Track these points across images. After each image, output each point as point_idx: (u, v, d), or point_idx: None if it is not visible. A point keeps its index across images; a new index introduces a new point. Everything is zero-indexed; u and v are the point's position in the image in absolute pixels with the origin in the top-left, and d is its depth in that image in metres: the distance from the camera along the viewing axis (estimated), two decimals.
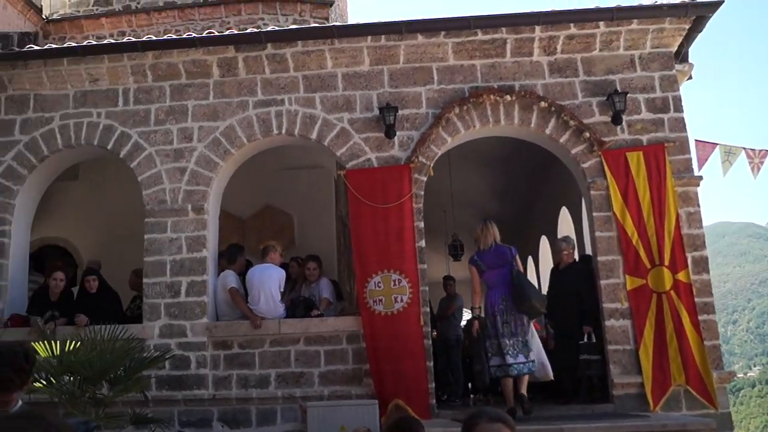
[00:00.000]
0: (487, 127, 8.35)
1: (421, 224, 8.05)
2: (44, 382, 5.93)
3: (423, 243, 7.99)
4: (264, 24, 11.92)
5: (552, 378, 7.69)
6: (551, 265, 9.59)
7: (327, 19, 12.38)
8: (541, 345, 7.71)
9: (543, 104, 8.20)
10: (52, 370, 5.99)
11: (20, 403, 3.01)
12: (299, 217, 10.60)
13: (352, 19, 15.16)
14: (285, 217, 10.55)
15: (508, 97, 8.23)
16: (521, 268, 7.73)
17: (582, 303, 8.09)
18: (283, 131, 8.31)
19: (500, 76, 8.39)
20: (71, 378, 6.09)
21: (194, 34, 8.65)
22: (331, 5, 12.63)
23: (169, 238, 8.09)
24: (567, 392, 8.32)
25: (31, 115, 8.61)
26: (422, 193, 8.16)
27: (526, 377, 7.29)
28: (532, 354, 7.31)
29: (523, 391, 7.18)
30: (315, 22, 11.94)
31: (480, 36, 8.34)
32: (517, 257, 7.62)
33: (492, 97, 8.23)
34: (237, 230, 10.11)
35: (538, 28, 8.29)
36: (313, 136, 8.29)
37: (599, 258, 7.88)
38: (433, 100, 8.33)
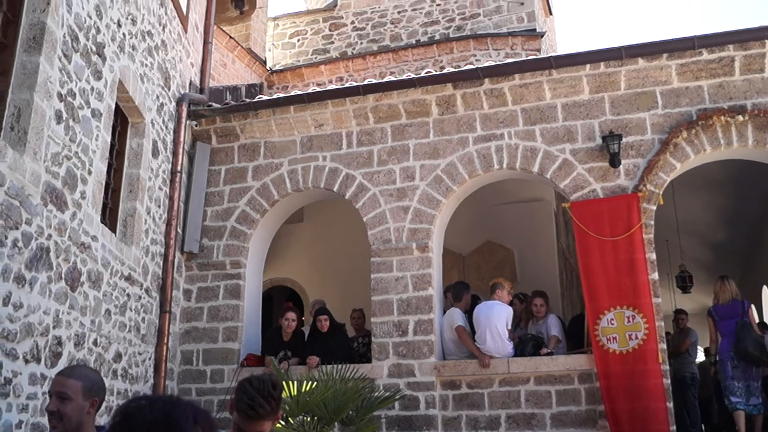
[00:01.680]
0: (718, 151, 7.79)
1: (653, 256, 7.62)
2: (282, 423, 6.09)
3: (656, 276, 7.55)
4: (476, 60, 11.99)
5: None
6: None
7: (539, 50, 12.25)
8: None
9: None
10: (288, 410, 6.13)
11: None
12: (520, 251, 10.44)
13: (561, 50, 14.87)
14: (505, 252, 10.44)
15: (740, 118, 7.64)
16: (753, 319, 8.46)
17: None
18: (504, 166, 8.22)
19: (730, 95, 7.82)
20: (306, 418, 6.22)
21: (412, 75, 8.83)
22: (542, 36, 12.49)
23: (395, 277, 8.21)
24: None
25: (261, 161, 9.12)
26: (652, 222, 7.73)
27: (760, 417, 7.98)
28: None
29: None
30: (527, 55, 11.83)
31: (705, 56, 7.83)
32: (751, 310, 8.27)
33: (722, 118, 7.67)
34: (456, 266, 10.13)
35: None
36: (535, 169, 8.13)
37: None
38: (659, 125, 7.90)
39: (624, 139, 7.85)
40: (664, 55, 7.92)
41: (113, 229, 7.07)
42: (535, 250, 10.27)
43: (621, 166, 7.84)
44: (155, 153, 8.00)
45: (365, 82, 8.96)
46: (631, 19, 39.03)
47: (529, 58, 8.58)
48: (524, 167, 8.18)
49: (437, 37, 13.64)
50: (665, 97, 7.98)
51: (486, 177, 8.46)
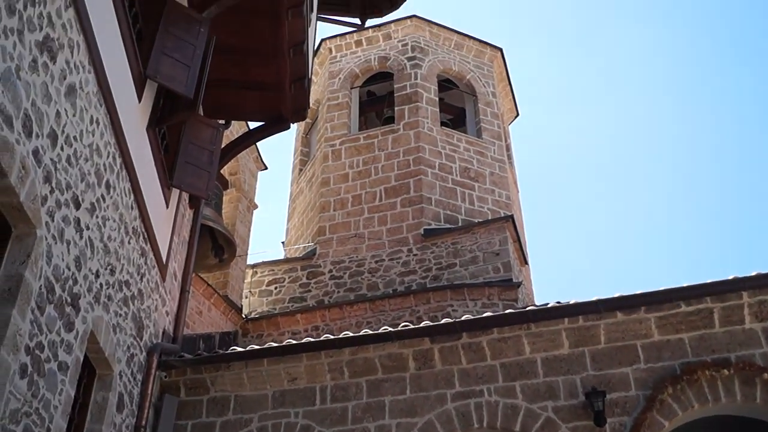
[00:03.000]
0: (706, 407, 7.61)
1: None
2: None
3: None
4: (453, 310, 12.07)
5: None
6: None
7: (516, 300, 12.38)
8: None
9: (766, 376, 7.48)
10: None
11: None
12: None
13: (539, 298, 15.08)
14: None
15: (726, 371, 7.58)
16: None
17: None
18: (485, 424, 7.90)
19: (712, 348, 7.80)
20: None
21: (388, 327, 8.76)
22: (518, 286, 12.68)
23: None
24: None
25: (231, 417, 8.70)
26: None
27: None
28: None
29: None
30: (504, 305, 11.93)
31: (684, 308, 7.92)
32: None
33: (707, 372, 7.60)
34: None
35: (745, 294, 7.80)
36: (517, 428, 7.81)
37: None
38: (642, 380, 7.76)
39: (608, 396, 7.65)
40: (643, 308, 7.97)
41: None
42: None
43: (607, 425, 7.56)
44: (120, 407, 7.63)
45: (341, 335, 8.85)
46: (608, 266, 40.30)
47: (506, 311, 8.57)
48: (505, 426, 7.87)
49: (414, 287, 13.80)
50: (647, 350, 7.92)
51: None
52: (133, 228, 7.76)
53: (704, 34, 41.18)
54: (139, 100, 7.56)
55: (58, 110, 5.54)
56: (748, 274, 7.90)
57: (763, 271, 7.86)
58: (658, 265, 38.39)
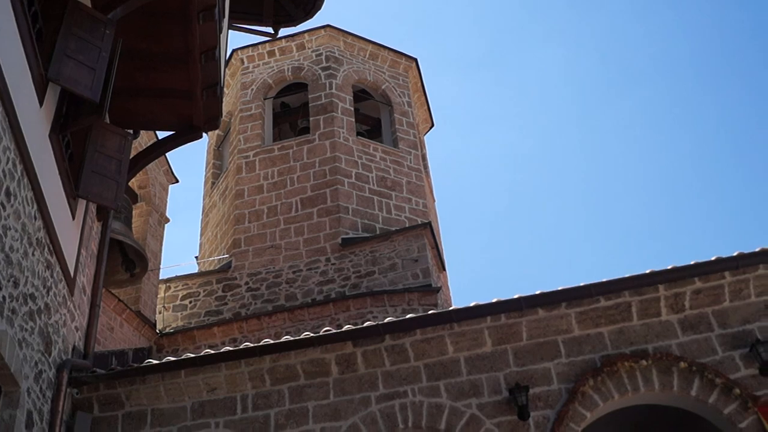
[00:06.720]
0: (626, 397, 7.78)
1: None
2: None
3: None
4: (374, 317, 11.97)
5: None
6: None
7: (435, 305, 12.39)
8: None
9: (682, 365, 7.72)
10: None
11: None
12: None
13: (457, 304, 15.14)
14: None
15: (644, 362, 7.79)
16: None
17: None
18: (410, 424, 7.84)
19: (630, 340, 7.99)
20: None
21: (310, 333, 8.59)
22: (437, 291, 12.70)
23: None
24: None
25: (148, 430, 8.37)
26: None
27: None
28: None
29: None
30: (424, 310, 11.83)
31: (603, 302, 8.07)
32: None
33: (626, 364, 7.79)
34: None
35: (661, 287, 8.03)
36: (442, 426, 7.78)
37: None
38: (564, 374, 7.86)
39: (531, 390, 7.72)
40: (563, 304, 8.07)
41: None
42: None
43: (531, 419, 7.61)
44: (29, 425, 7.21)
45: (261, 343, 8.62)
46: (522, 270, 41.08)
47: (429, 312, 8.55)
48: (430, 425, 7.83)
49: (333, 296, 13.67)
50: (568, 345, 8.03)
51: None
52: (37, 239, 7.37)
53: (610, 53, 42.77)
54: (41, 104, 7.19)
55: None
56: (664, 268, 8.09)
57: (678, 264, 8.09)
58: (575, 266, 39.37)
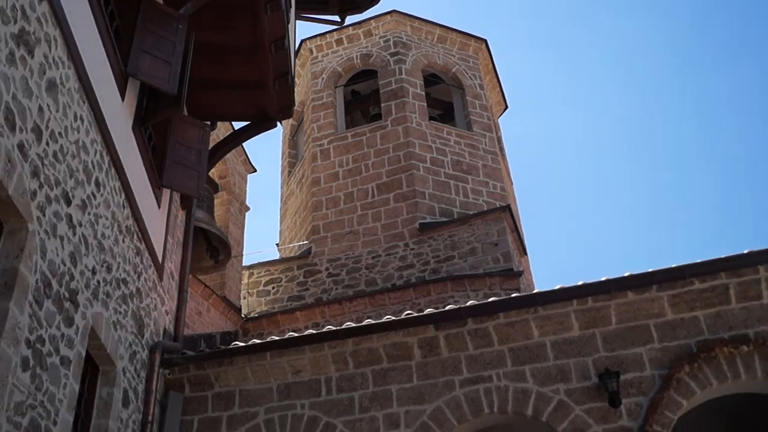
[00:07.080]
0: (725, 384, 7.42)
1: None
2: None
3: None
4: (455, 301, 11.83)
5: None
6: None
7: (518, 289, 12.20)
8: None
9: None
10: None
11: None
12: None
13: (540, 288, 14.92)
14: None
15: (744, 348, 7.40)
16: None
17: None
18: (495, 409, 7.74)
19: (729, 325, 7.61)
20: None
21: (391, 317, 8.58)
22: (519, 275, 12.52)
23: None
24: None
25: (236, 410, 8.52)
26: None
27: None
28: None
29: None
30: (506, 294, 11.74)
31: (697, 285, 7.74)
32: None
33: (725, 349, 7.41)
34: None
35: (761, 268, 7.62)
36: (529, 412, 7.65)
37: None
38: (657, 360, 7.59)
39: (622, 376, 7.48)
40: (654, 287, 7.80)
41: None
42: None
43: (622, 406, 7.39)
44: (126, 403, 7.48)
45: (344, 326, 8.66)
46: (608, 255, 40.11)
47: (512, 296, 8.41)
48: (517, 410, 7.70)
49: (413, 281, 13.64)
50: (660, 330, 7.75)
51: (477, 422, 7.92)
52: (126, 227, 7.57)
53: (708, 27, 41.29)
54: (123, 99, 7.37)
55: (40, 105, 5.38)
56: (764, 248, 7.67)
57: None
58: (668, 248, 38.04)
